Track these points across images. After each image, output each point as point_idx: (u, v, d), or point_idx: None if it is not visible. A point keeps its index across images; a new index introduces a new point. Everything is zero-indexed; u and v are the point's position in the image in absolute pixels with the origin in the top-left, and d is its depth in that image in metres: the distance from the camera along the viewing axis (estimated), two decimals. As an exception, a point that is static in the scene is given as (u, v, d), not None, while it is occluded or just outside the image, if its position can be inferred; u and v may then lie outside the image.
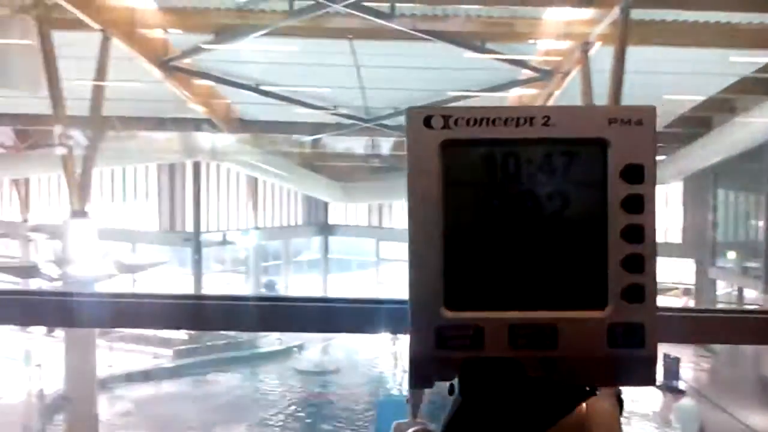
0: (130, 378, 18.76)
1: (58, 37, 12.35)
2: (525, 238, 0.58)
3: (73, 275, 13.33)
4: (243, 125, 19.25)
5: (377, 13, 12.33)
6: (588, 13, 12.66)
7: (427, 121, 0.61)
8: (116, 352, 19.35)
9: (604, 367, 0.59)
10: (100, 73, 13.15)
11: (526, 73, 15.64)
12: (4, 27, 11.84)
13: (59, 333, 18.47)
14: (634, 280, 0.57)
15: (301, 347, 20.83)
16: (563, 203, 0.58)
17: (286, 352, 20.72)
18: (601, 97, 12.34)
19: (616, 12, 11.53)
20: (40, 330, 22.19)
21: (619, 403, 0.75)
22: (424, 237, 0.58)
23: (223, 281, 26.18)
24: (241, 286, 25.60)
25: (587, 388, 0.62)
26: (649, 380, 0.59)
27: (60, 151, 13.24)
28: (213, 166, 23.45)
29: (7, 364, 20.59)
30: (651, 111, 0.58)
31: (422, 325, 0.58)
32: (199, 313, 1.52)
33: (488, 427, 0.61)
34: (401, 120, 18.36)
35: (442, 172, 0.59)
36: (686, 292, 22.85)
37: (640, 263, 0.57)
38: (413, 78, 15.85)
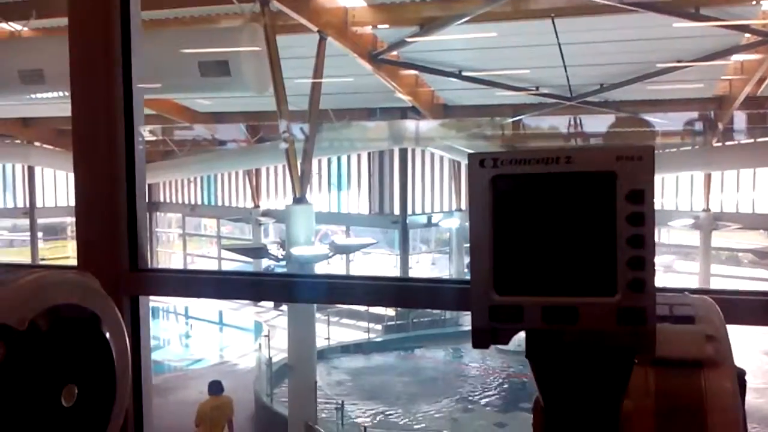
0: (345, 350, 20.05)
1: (281, 40, 13.52)
2: (554, 243, 0.79)
3: (295, 255, 14.40)
4: (446, 111, 19.68)
5: (580, -10, 12.00)
6: (823, -34, 11.33)
7: (482, 163, 0.81)
8: (333, 326, 20.84)
9: (615, 339, 0.77)
10: (317, 70, 14.22)
11: (748, 38, 14.32)
12: (237, 35, 13.25)
13: (285, 308, 20.32)
14: (636, 276, 0.76)
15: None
16: (583, 218, 0.78)
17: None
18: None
19: None
20: (269, 305, 24.60)
21: (741, 384, 0.91)
22: (480, 244, 0.80)
23: (428, 261, 27.06)
24: (445, 265, 26.26)
25: (635, 360, 0.81)
26: (649, 350, 0.77)
27: (283, 144, 14.50)
28: (418, 152, 24.15)
29: (242, 335, 23.14)
30: (650, 149, 0.77)
31: (480, 305, 0.80)
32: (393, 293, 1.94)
33: (560, 382, 0.84)
34: (606, 96, 17.73)
35: (492, 198, 0.80)
36: None
37: (642, 263, 0.76)
38: (618, 52, 15.17)
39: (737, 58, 15.61)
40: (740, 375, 0.92)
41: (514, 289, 0.80)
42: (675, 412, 0.88)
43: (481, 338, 0.81)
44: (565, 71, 16.02)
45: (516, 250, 0.80)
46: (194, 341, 23.31)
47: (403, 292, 1.92)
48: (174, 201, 30.67)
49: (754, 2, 12.75)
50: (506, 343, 0.81)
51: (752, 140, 19.94)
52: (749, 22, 13.40)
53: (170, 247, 31.82)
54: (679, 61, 15.25)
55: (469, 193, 0.82)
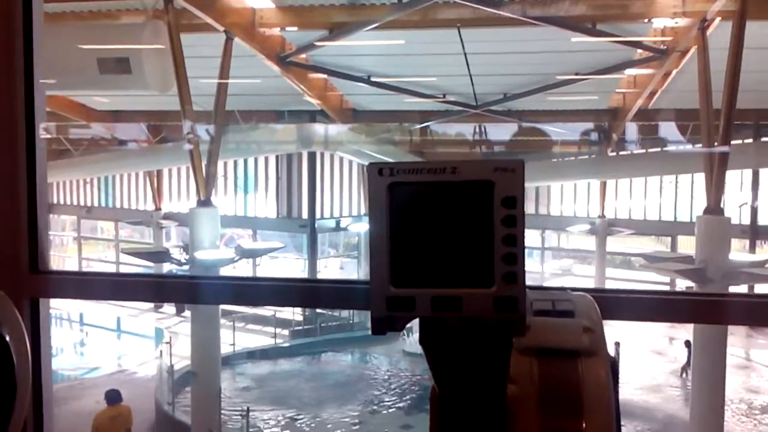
0: (251, 356, 19.72)
1: (186, 39, 13.20)
2: (442, 242, 0.90)
3: (199, 259, 14.10)
4: (355, 115, 19.78)
5: (486, 1, 12.36)
6: (706, -12, 12.17)
7: (380, 172, 0.91)
8: (238, 332, 20.45)
9: (493, 324, 0.89)
10: (223, 70, 13.97)
11: (640, 54, 15.19)
12: (138, 32, 12.83)
13: (187, 314, 19.79)
14: (509, 269, 0.87)
15: (410, 330, 21.15)
16: (465, 221, 0.89)
17: (394, 335, 21.16)
18: (721, 74, 11.84)
19: (736, -13, 11.05)
20: (170, 310, 23.89)
21: (614, 370, 1.01)
22: (378, 243, 0.90)
23: (337, 265, 27.07)
24: (353, 269, 26.34)
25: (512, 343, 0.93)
26: (521, 333, 0.90)
27: (188, 145, 14.12)
28: (327, 155, 24.15)
29: (142, 342, 22.35)
30: (520, 162, 0.89)
31: (378, 296, 0.90)
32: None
33: (449, 365, 0.95)
34: (510, 105, 18.34)
35: (388, 202, 0.90)
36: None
37: (514, 258, 0.86)
38: (521, 63, 15.75)
39: (630, 72, 16.54)
40: (613, 364, 1.02)
41: (407, 282, 0.90)
42: (555, 396, 0.98)
43: (379, 326, 0.91)
44: (471, 80, 16.47)
45: (409, 248, 0.90)
46: (90, 349, 22.28)
47: (309, 293, 1.93)
48: (68, 202, 29.29)
49: (646, 20, 13.54)
50: (400, 329, 0.91)
51: (644, 150, 21.16)
52: (642, 39, 14.22)
53: (64, 251, 30.34)
54: (576, 74, 15.99)
55: (369, 199, 0.91)
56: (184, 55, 13.06)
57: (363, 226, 25.75)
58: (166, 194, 26.48)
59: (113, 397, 11.14)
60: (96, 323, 23.55)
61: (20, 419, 1.30)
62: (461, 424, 0.99)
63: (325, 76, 17.39)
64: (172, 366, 15.87)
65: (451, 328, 0.91)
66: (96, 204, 29.05)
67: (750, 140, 20.40)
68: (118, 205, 28.48)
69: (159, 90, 13.70)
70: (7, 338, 1.29)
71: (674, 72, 15.75)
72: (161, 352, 17.62)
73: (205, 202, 14.38)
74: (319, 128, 20.56)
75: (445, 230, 0.89)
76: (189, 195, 23.91)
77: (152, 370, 17.88)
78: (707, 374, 11.79)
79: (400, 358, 19.65)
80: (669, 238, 23.76)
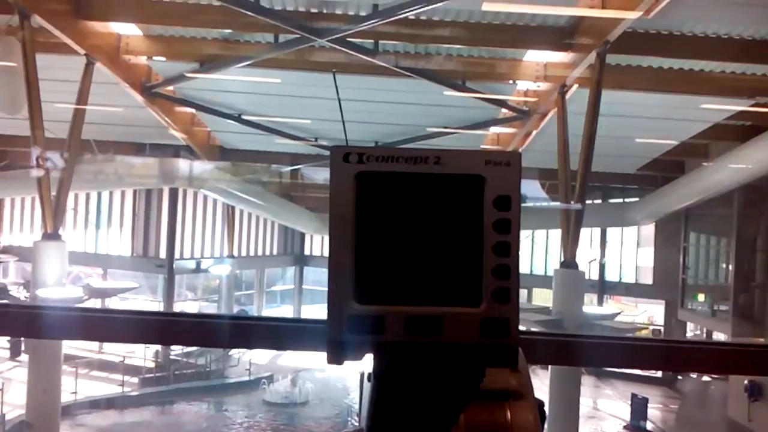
0: (95, 405, 18.53)
1: (41, 59, 12.33)
2: (418, 249, 0.73)
3: (42, 298, 13.10)
4: (223, 153, 19.27)
5: (361, 49, 12.49)
6: (566, 56, 12.97)
7: (346, 157, 0.74)
8: (81, 379, 19.03)
9: (478, 352, 0.73)
10: (82, 96, 13.15)
11: (504, 113, 15.93)
12: (-13, 47, 11.77)
13: (23, 357, 18.06)
14: (501, 285, 0.72)
15: (270, 378, 20.60)
16: (449, 224, 0.72)
17: (254, 383, 20.50)
18: (577, 137, 12.58)
19: (593, 56, 11.84)
20: (4, 354, 21.73)
21: (541, 414, 0.91)
22: (340, 248, 0.73)
23: (195, 309, 25.88)
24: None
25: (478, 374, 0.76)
26: (512, 363, 0.74)
27: (36, 173, 13.11)
28: (190, 193, 23.32)
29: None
30: (517, 155, 0.74)
31: (337, 314, 0.72)
32: (158, 328, 1.74)
33: (404, 406, 0.76)
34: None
35: (355, 196, 0.73)
36: (656, 333, 23.14)
37: (507, 272, 0.72)
38: (394, 112, 16.04)
39: (495, 129, 17.29)
40: (540, 406, 0.94)
41: (375, 298, 0.73)
42: None
43: (336, 353, 0.73)
44: (343, 125, 16.47)
45: (379, 256, 0.73)
46: None
47: (169, 327, 1.72)
48: None
49: (511, 81, 14.23)
50: (361, 359, 0.74)
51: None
52: (506, 98, 14.91)
53: None
54: (446, 127, 16.48)
55: (331, 191, 0.74)
56: (39, 76, 12.19)
57: (225, 269, 24.88)
58: (6, 226, 24.43)
59: None
60: None
61: None
62: None
63: (192, 110, 16.82)
64: (3, 416, 14.70)
65: (420, 357, 0.73)
66: None
67: (599, 201, 21.90)
68: (-51, 236, 25.83)
69: (7, 112, 12.74)
70: None
71: (534, 132, 16.63)
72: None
73: (51, 236, 13.38)
74: (182, 164, 19.85)
75: (423, 234, 0.72)
76: (33, 228, 22.12)
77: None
78: (561, 423, 12.15)
79: (259, 409, 18.93)
80: (524, 291, 24.81)
